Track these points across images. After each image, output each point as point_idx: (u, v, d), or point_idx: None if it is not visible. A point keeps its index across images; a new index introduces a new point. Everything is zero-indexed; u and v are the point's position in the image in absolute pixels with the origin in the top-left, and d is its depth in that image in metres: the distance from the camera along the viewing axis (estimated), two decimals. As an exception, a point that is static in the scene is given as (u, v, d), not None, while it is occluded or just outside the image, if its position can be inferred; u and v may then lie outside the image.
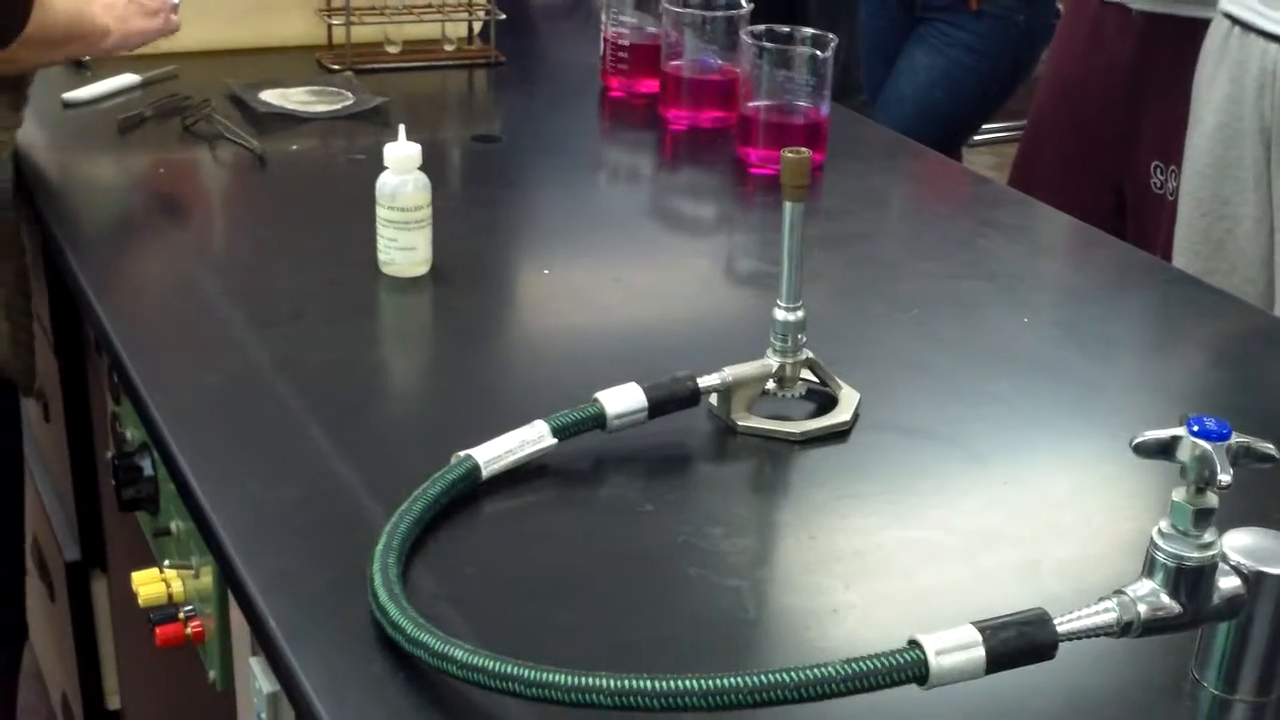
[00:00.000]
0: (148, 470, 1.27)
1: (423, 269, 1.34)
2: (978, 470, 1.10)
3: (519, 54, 2.04)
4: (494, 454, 1.01)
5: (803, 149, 1.07)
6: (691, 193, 1.70)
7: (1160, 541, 0.81)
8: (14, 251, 1.52)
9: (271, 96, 1.77)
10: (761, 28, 1.66)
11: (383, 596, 0.86)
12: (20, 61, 1.42)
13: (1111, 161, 2.18)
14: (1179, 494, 0.81)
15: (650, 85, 1.86)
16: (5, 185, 1.49)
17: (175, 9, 1.60)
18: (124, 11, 1.53)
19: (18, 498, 1.62)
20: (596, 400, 1.06)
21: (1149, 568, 0.82)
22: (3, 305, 1.50)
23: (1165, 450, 0.82)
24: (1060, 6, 2.62)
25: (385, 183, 1.32)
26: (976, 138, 3.54)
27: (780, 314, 1.11)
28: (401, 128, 1.34)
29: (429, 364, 1.30)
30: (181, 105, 1.71)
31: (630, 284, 1.40)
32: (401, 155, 1.32)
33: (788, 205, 1.08)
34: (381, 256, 1.34)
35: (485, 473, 1.00)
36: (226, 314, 1.27)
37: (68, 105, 1.73)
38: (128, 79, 1.79)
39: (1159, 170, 2.11)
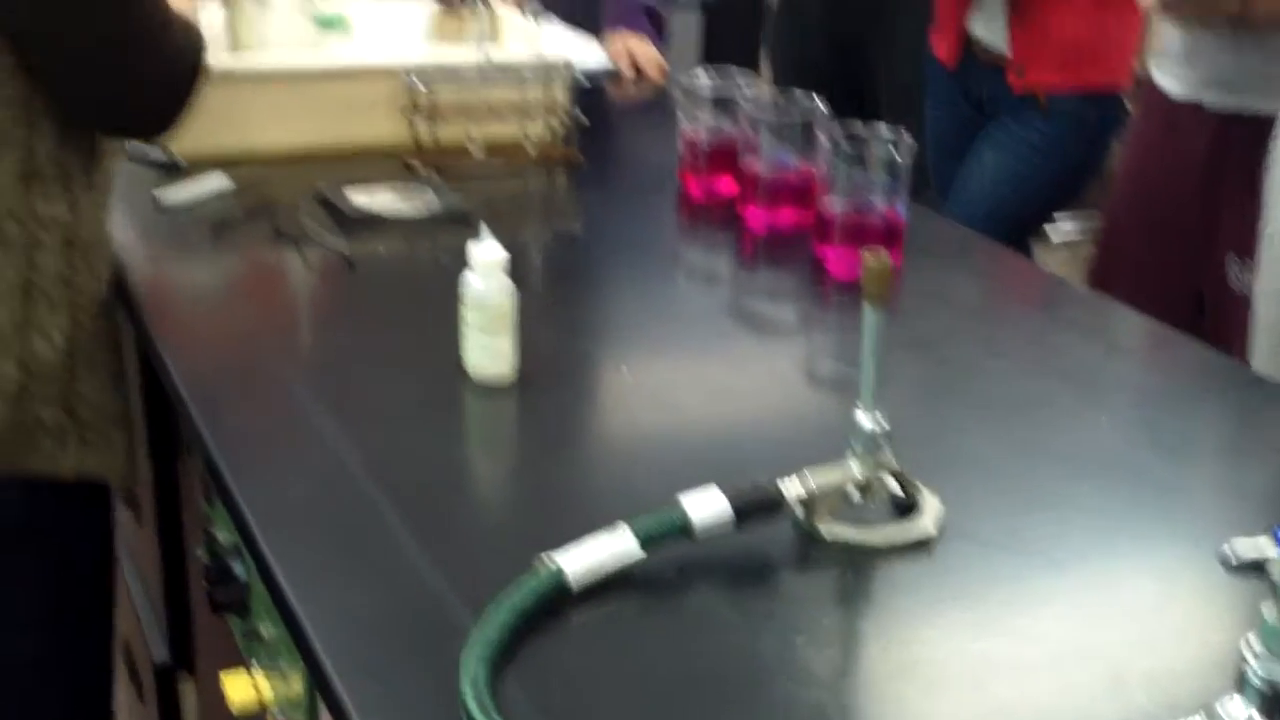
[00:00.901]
0: (239, 572, 1.29)
1: (507, 371, 1.36)
2: (1057, 578, 1.10)
3: (598, 154, 2.08)
4: (582, 564, 1.02)
5: (882, 251, 1.08)
6: (769, 292, 1.72)
7: (1252, 661, 0.81)
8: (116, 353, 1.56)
9: (358, 198, 1.81)
10: (838, 127, 1.68)
11: (473, 708, 0.87)
12: None
13: (1189, 260, 2.17)
14: (1270, 613, 0.81)
15: (728, 184, 1.88)
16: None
17: None
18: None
19: (108, 601, 1.64)
20: (682, 508, 1.06)
21: (1240, 684, 0.82)
22: (116, 413, 1.53)
23: (1256, 568, 0.82)
24: (1130, 105, 2.63)
25: (470, 286, 1.35)
26: (1054, 240, 3.54)
27: (863, 422, 1.12)
28: (485, 229, 1.36)
29: (514, 467, 1.32)
30: (271, 207, 1.76)
31: (709, 385, 1.41)
32: (486, 260, 1.34)
33: (868, 311, 1.09)
34: (467, 359, 1.36)
35: (575, 587, 1.01)
36: (317, 418, 1.29)
37: (160, 207, 1.77)
38: (218, 180, 1.83)
39: (1235, 265, 2.10)
